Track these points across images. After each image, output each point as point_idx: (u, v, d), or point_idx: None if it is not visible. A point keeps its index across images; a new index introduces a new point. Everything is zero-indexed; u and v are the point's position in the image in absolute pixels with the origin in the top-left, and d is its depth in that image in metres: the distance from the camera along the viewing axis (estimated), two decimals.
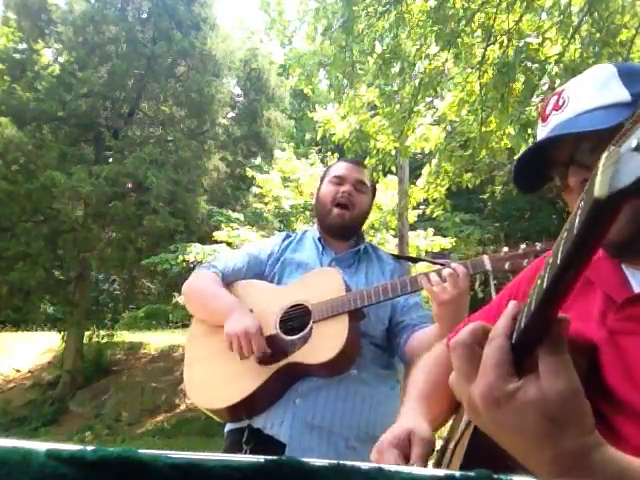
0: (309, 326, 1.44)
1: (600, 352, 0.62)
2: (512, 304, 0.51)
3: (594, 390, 0.59)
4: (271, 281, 1.63)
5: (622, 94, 0.67)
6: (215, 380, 1.48)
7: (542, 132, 0.74)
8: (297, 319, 1.49)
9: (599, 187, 0.34)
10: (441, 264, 1.39)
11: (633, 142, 0.33)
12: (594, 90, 0.69)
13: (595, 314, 0.66)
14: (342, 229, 1.67)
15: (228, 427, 1.56)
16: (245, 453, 1.40)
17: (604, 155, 0.35)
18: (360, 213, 1.69)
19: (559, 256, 0.40)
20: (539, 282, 0.44)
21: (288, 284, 1.59)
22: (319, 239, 1.71)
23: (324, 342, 1.40)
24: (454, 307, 1.27)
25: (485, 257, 1.34)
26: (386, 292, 1.43)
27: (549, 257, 0.43)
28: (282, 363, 1.41)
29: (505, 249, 1.33)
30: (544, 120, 0.75)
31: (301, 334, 1.44)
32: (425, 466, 0.70)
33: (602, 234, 0.37)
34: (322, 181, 1.76)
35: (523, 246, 1.31)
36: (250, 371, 1.43)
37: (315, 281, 1.53)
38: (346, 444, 1.41)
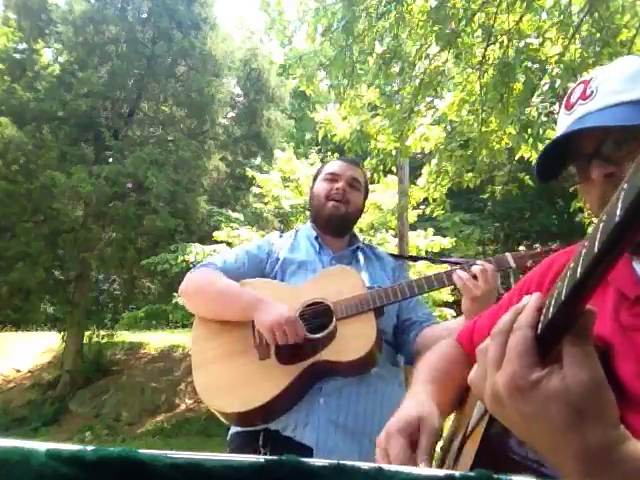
0: (333, 324, 1.41)
1: (613, 349, 0.62)
2: (536, 296, 0.50)
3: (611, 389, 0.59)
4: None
5: None
6: (234, 383, 1.40)
7: (566, 120, 0.73)
8: (316, 318, 1.45)
9: None
10: (455, 263, 1.44)
11: None
12: (622, 83, 0.69)
13: (608, 311, 0.66)
14: (338, 222, 1.66)
15: (234, 429, 1.49)
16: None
17: None
18: (355, 210, 1.70)
19: (597, 244, 0.39)
20: (570, 273, 0.43)
21: (299, 283, 1.56)
22: (315, 238, 1.69)
23: (353, 340, 1.38)
24: (484, 302, 1.30)
25: (508, 255, 1.39)
26: (412, 289, 1.43)
27: (581, 247, 0.42)
28: (309, 362, 1.37)
29: (522, 248, 1.40)
30: (569, 108, 0.74)
31: (326, 332, 1.40)
32: (431, 457, 0.70)
33: None
34: (315, 179, 1.76)
35: (538, 245, 1.38)
36: (272, 372, 1.38)
37: (332, 280, 1.51)
38: (370, 442, 1.40)
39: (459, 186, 5.36)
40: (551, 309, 0.46)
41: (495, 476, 0.33)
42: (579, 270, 0.41)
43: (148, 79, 12.78)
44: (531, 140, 3.99)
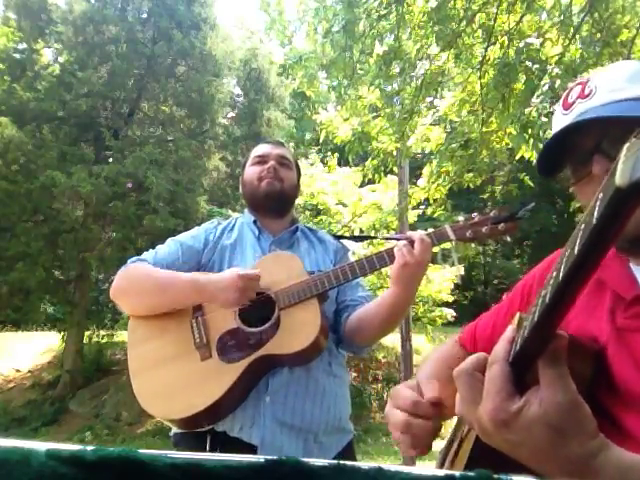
0: (275, 314, 1.36)
1: (609, 350, 0.62)
2: (510, 329, 0.54)
3: (604, 390, 0.59)
4: (210, 270, 1.51)
5: None
6: (176, 387, 1.35)
7: (563, 120, 0.73)
8: (258, 309, 1.39)
9: (620, 176, 0.34)
10: (400, 238, 1.40)
11: None
12: (623, 82, 0.69)
13: (604, 312, 0.66)
14: (274, 199, 1.60)
15: (176, 430, 1.43)
16: None
17: (626, 146, 0.35)
18: (290, 186, 1.65)
19: (577, 247, 0.39)
20: (540, 300, 0.45)
21: None
22: (254, 222, 1.63)
23: (297, 329, 1.34)
24: (415, 272, 1.30)
25: (447, 226, 1.37)
26: (354, 271, 1.39)
27: (564, 250, 0.43)
28: (253, 357, 1.32)
29: (461, 218, 1.37)
30: (566, 108, 0.74)
31: (268, 324, 1.35)
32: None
33: (622, 223, 0.37)
34: (244, 167, 1.71)
35: (475, 214, 1.36)
36: (215, 372, 1.33)
37: (272, 267, 1.44)
38: (314, 439, 1.38)
39: (459, 186, 5.36)
40: (525, 334, 0.48)
41: (495, 476, 0.33)
42: (548, 296, 0.43)
43: (148, 79, 12.78)
44: (531, 140, 3.99)
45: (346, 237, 1.87)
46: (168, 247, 1.56)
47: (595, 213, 0.37)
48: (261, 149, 1.68)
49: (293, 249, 1.58)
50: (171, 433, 1.47)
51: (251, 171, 1.65)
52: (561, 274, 0.41)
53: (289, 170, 1.67)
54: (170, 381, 1.36)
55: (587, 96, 0.71)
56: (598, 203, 0.37)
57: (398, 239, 1.44)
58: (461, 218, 1.37)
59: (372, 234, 8.71)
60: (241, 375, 1.31)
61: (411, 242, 1.30)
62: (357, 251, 6.08)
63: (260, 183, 1.60)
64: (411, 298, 1.39)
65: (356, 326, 1.45)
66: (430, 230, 1.39)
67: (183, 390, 1.34)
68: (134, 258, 1.55)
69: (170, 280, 1.43)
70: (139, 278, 1.46)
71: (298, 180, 1.73)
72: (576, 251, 0.39)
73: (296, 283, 1.39)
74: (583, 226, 0.39)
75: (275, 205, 1.62)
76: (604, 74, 0.72)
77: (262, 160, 1.64)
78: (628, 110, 0.65)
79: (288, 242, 1.61)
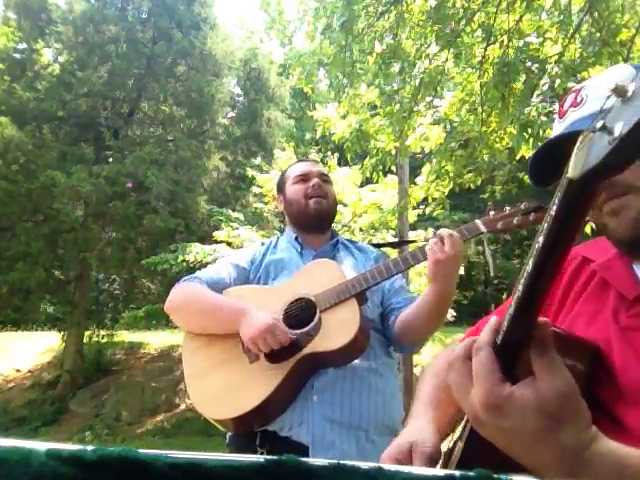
0: (317, 316, 1.42)
1: (613, 349, 0.63)
2: (493, 319, 0.54)
3: (605, 387, 0.60)
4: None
5: None
6: (226, 390, 1.41)
7: (558, 128, 0.75)
8: (301, 314, 1.46)
9: (572, 168, 0.35)
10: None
11: (599, 123, 0.34)
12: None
13: (608, 313, 0.67)
14: (323, 218, 1.67)
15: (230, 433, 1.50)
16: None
17: (579, 139, 0.36)
18: (333, 202, 1.72)
19: (541, 239, 0.41)
20: (516, 291, 0.46)
21: (281, 283, 1.56)
22: (295, 239, 1.69)
23: (338, 327, 1.39)
24: (449, 267, 1.33)
25: (477, 221, 1.40)
26: (389, 269, 1.44)
27: (534, 243, 0.44)
28: (297, 357, 1.38)
29: (492, 212, 1.40)
30: (561, 116, 0.76)
31: (310, 325, 1.41)
32: None
33: (581, 214, 0.38)
34: (284, 186, 1.74)
35: (507, 207, 1.39)
36: (262, 374, 1.38)
37: (312, 274, 1.51)
38: (366, 437, 1.41)
39: (459, 186, 5.36)
40: (505, 325, 0.49)
41: (495, 476, 0.33)
42: (520, 288, 0.45)
43: (148, 79, 12.78)
44: (531, 140, 3.99)
45: (384, 244, 1.93)
46: (219, 268, 1.63)
47: (554, 206, 0.38)
48: (301, 167, 1.74)
49: (335, 260, 1.63)
50: (227, 436, 1.53)
51: (295, 189, 1.69)
52: (530, 267, 0.43)
53: (330, 185, 1.73)
54: (221, 384, 1.42)
55: (578, 104, 0.72)
56: (558, 195, 0.38)
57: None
58: (492, 212, 1.40)
59: (372, 234, 8.71)
60: (288, 374, 1.37)
61: (441, 239, 1.33)
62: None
63: (308, 201, 1.65)
64: (451, 292, 1.43)
65: (404, 326, 1.49)
66: (462, 226, 1.43)
67: (233, 392, 1.40)
68: (188, 277, 1.62)
69: (213, 311, 1.50)
70: (188, 302, 1.54)
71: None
72: (541, 244, 0.41)
73: (334, 286, 1.44)
74: (548, 218, 0.40)
75: (322, 223, 1.69)
76: (595, 81, 0.74)
77: (305, 178, 1.69)
78: None
79: (329, 255, 1.66)
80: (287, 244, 1.70)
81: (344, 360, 1.42)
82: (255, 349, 1.38)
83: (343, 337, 1.36)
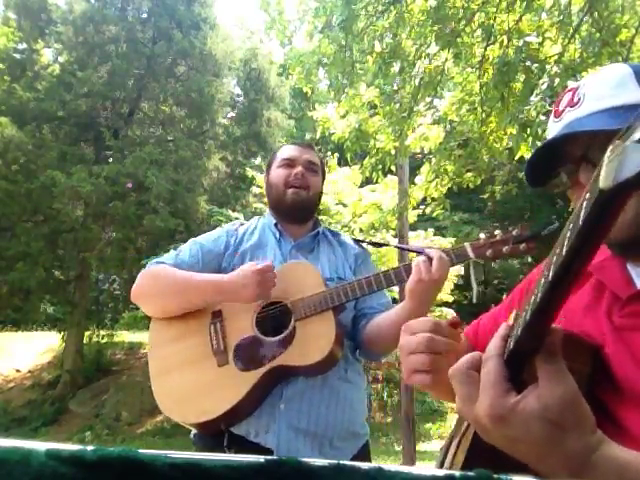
0: (291, 325, 1.38)
1: (608, 349, 0.63)
2: (503, 325, 0.55)
3: (604, 388, 0.60)
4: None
5: (637, 95, 0.67)
6: (193, 391, 1.37)
7: (555, 127, 0.75)
8: (275, 318, 1.41)
9: (604, 178, 0.35)
10: (416, 251, 1.41)
11: (637, 135, 0.33)
12: (609, 90, 0.70)
13: (603, 312, 0.68)
14: (299, 209, 1.58)
15: (195, 431, 1.47)
16: None
17: (609, 148, 0.36)
18: (315, 194, 1.63)
19: (565, 248, 0.41)
20: (532, 299, 0.46)
21: None
22: (275, 225, 1.61)
23: (312, 341, 1.35)
24: (430, 289, 1.29)
25: (467, 245, 1.35)
26: (370, 285, 1.39)
27: (553, 251, 0.44)
28: (268, 367, 1.35)
29: (482, 236, 1.35)
30: (557, 115, 0.75)
31: (284, 334, 1.37)
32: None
33: (608, 225, 0.38)
34: (270, 167, 1.66)
35: (498, 232, 1.34)
36: (231, 379, 1.35)
37: (290, 277, 1.45)
38: (330, 444, 1.39)
39: (459, 186, 5.36)
40: (518, 333, 0.49)
41: (495, 476, 0.33)
42: (539, 296, 0.44)
43: (148, 79, 12.78)
44: (530, 140, 3.99)
45: (365, 242, 1.87)
46: (189, 249, 1.55)
47: (581, 215, 0.38)
48: (289, 151, 1.64)
49: (313, 254, 1.58)
50: (191, 434, 1.49)
51: (277, 174, 1.60)
52: (550, 275, 0.42)
53: (316, 176, 1.64)
54: (187, 386, 1.39)
55: (575, 104, 0.72)
56: (585, 204, 0.37)
57: (416, 251, 1.44)
58: (482, 235, 1.35)
59: (372, 234, 8.71)
60: (256, 383, 1.34)
61: (430, 259, 1.28)
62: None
63: (286, 189, 1.57)
64: (424, 313, 1.38)
65: (372, 335, 1.46)
66: (449, 247, 1.40)
67: (199, 395, 1.37)
68: (154, 260, 1.55)
69: (190, 280, 1.44)
70: (159, 279, 1.47)
71: (322, 181, 1.70)
72: (564, 252, 0.40)
73: (314, 295, 1.39)
74: (571, 226, 0.40)
75: (299, 215, 1.61)
76: (593, 80, 0.73)
77: (290, 164, 1.60)
78: (611, 121, 0.65)
79: (309, 247, 1.61)
80: (266, 229, 1.63)
81: (315, 373, 1.39)
82: (267, 292, 1.38)
83: (317, 353, 1.33)
